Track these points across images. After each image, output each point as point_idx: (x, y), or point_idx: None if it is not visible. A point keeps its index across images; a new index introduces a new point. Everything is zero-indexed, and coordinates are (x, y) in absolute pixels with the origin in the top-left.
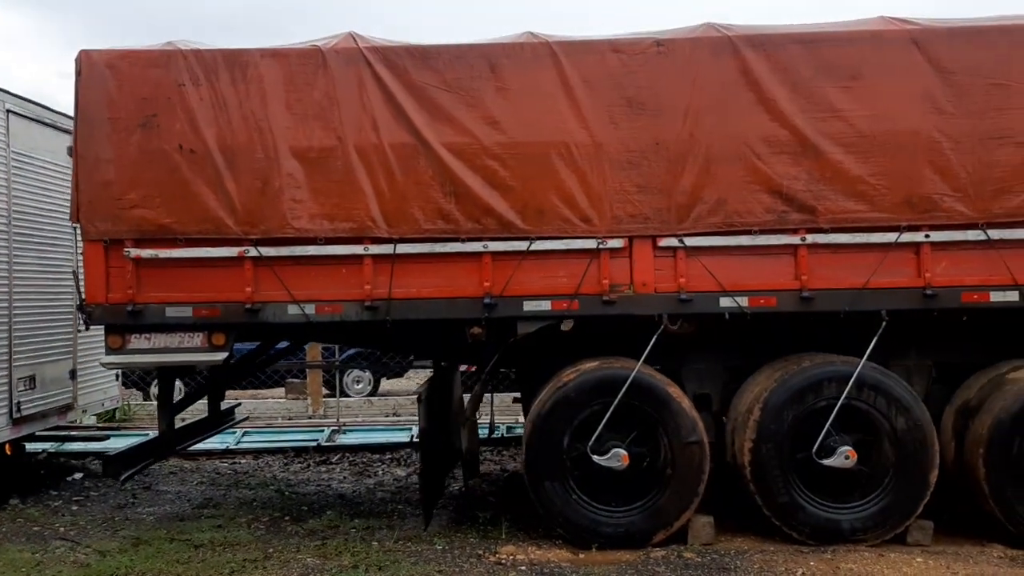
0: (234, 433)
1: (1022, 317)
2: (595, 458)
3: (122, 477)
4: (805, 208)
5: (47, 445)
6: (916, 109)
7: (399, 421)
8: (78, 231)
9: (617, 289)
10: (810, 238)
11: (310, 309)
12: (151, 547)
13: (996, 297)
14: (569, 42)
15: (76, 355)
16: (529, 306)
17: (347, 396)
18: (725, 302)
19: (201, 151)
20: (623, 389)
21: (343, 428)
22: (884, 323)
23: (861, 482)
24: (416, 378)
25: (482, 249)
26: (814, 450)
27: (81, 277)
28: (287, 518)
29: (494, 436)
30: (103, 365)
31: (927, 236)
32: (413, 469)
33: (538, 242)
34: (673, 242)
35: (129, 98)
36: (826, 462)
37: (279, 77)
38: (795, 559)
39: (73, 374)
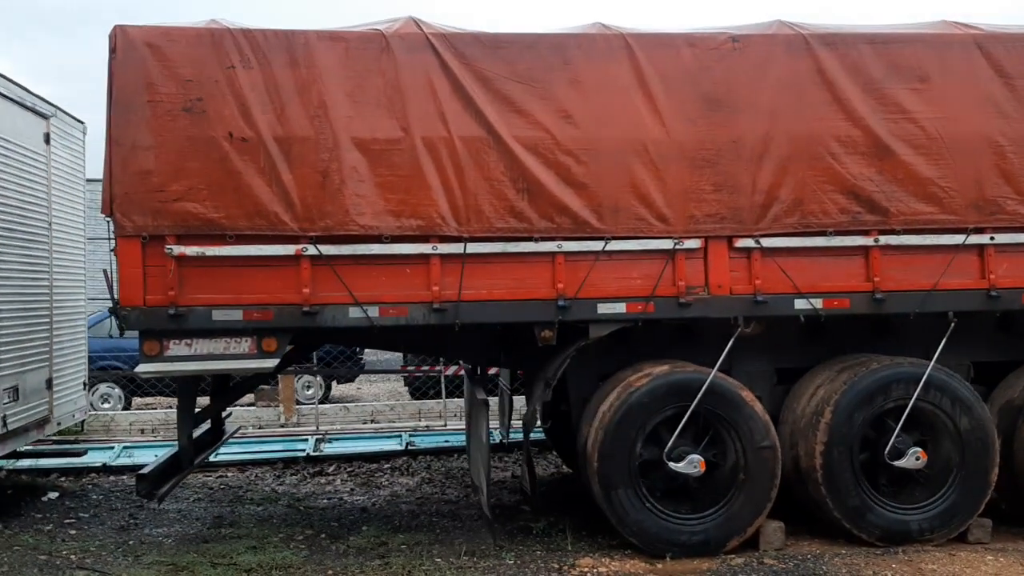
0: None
1: None
2: (671, 465)
3: (157, 496)
4: (878, 209)
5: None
6: (981, 112)
7: (382, 428)
8: (110, 225)
9: (693, 291)
10: (883, 239)
11: (373, 312)
12: (195, 574)
13: None
14: (643, 35)
15: (52, 363)
16: (603, 308)
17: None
18: (800, 304)
19: (253, 140)
20: (700, 393)
21: (327, 436)
22: (952, 324)
23: (921, 482)
24: (359, 383)
25: (556, 249)
26: (886, 452)
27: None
28: (323, 535)
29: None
30: (139, 374)
31: (992, 238)
32: (420, 478)
33: (613, 242)
34: (749, 243)
35: (171, 80)
36: (898, 463)
37: (338, 62)
38: (876, 561)
39: (49, 384)
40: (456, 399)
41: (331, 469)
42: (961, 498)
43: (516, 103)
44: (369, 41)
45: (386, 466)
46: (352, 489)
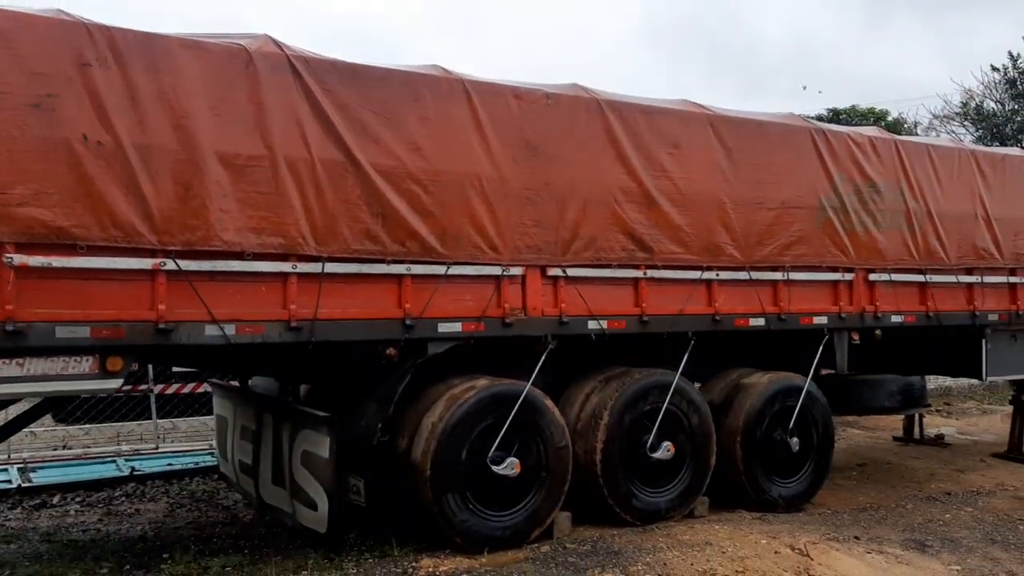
0: None
1: (731, 336)
2: (494, 468)
3: None
4: (646, 248)
5: None
6: (711, 175)
7: (88, 454)
8: None
9: (514, 312)
10: (649, 273)
11: (230, 329)
12: None
13: (753, 322)
14: (479, 82)
15: None
16: (443, 327)
17: None
18: (592, 325)
19: (111, 145)
20: (518, 403)
21: (28, 465)
22: (692, 341)
23: (662, 470)
24: None
25: (405, 272)
26: (648, 446)
27: None
28: (128, 567)
29: None
30: None
31: (717, 275)
32: (167, 503)
33: (454, 267)
34: (558, 272)
35: (17, 71)
36: (655, 456)
37: (202, 73)
38: (647, 537)
39: None
40: (161, 420)
41: (55, 500)
42: (692, 481)
43: (372, 131)
44: (234, 56)
45: (117, 493)
46: (100, 519)
